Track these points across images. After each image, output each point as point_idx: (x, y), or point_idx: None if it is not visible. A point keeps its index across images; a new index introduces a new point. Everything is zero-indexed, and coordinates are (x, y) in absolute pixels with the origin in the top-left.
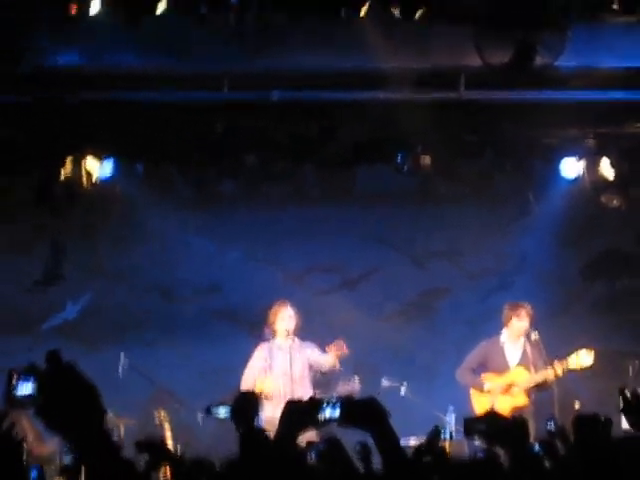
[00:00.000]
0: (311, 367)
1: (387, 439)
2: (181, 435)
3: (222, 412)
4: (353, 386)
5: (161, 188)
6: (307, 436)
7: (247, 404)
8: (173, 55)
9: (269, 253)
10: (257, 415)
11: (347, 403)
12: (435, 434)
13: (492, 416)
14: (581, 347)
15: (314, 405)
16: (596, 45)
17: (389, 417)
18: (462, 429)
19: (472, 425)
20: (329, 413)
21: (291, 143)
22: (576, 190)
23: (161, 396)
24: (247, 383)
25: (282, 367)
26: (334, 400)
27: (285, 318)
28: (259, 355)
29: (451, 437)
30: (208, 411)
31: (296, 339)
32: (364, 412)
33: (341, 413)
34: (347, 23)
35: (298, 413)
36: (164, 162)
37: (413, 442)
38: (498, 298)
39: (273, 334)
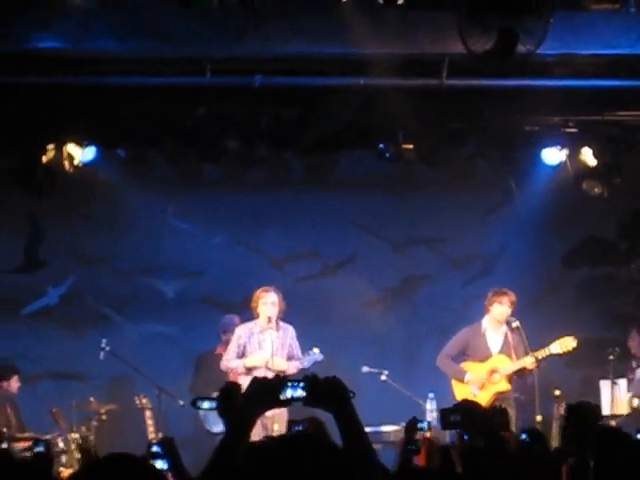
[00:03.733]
0: (288, 354)
1: (349, 419)
2: (161, 422)
3: (207, 405)
4: (313, 357)
5: (143, 172)
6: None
7: (232, 397)
8: (155, 39)
9: (251, 238)
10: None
11: (311, 382)
12: (412, 425)
13: (467, 406)
14: (563, 334)
15: (279, 384)
16: (578, 32)
17: (352, 397)
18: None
19: (448, 417)
20: (293, 392)
21: (273, 128)
22: (558, 177)
23: (142, 381)
24: (230, 363)
25: (264, 351)
26: (299, 379)
27: (268, 303)
28: (240, 335)
29: (429, 427)
30: (194, 404)
31: (280, 324)
32: (328, 392)
33: (305, 392)
34: (330, 9)
35: (263, 391)
36: (146, 146)
37: (389, 429)
38: (479, 285)
39: (255, 315)
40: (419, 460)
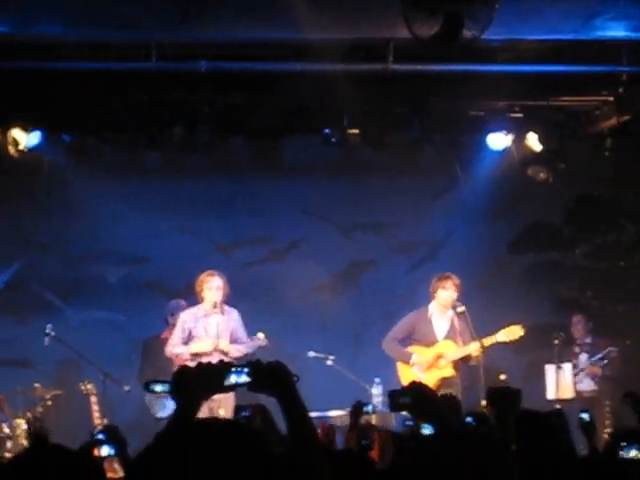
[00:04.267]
0: (232, 337)
1: (293, 404)
2: (106, 407)
3: (160, 388)
4: (257, 342)
5: (88, 158)
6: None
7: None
8: (100, 24)
9: (197, 224)
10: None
11: (255, 368)
12: (357, 409)
13: (417, 388)
14: (509, 319)
15: (222, 369)
16: (524, 18)
17: (296, 382)
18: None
19: (397, 399)
20: (237, 377)
21: (219, 114)
22: (504, 163)
23: (87, 367)
24: (175, 349)
25: (210, 335)
26: (242, 364)
27: (212, 288)
28: (185, 320)
29: (374, 410)
30: (147, 387)
31: (225, 307)
32: (271, 377)
33: (249, 378)
34: None
35: (207, 377)
36: (91, 132)
37: (335, 414)
38: (426, 270)
39: (199, 300)
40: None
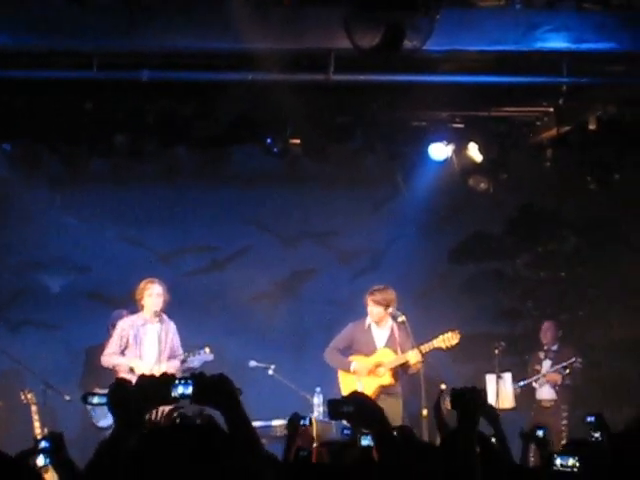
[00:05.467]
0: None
1: (236, 416)
2: (47, 417)
3: (97, 400)
4: (204, 356)
5: (31, 167)
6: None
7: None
8: (42, 32)
9: (139, 233)
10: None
11: (199, 380)
12: (293, 421)
13: (357, 398)
14: (447, 329)
15: (166, 381)
16: (465, 29)
17: (239, 395)
18: (327, 414)
19: (338, 407)
20: (182, 389)
21: (161, 123)
22: (445, 173)
23: (30, 377)
24: (112, 359)
25: (150, 344)
26: (186, 376)
27: (153, 295)
28: (124, 328)
29: (310, 422)
30: (84, 399)
31: (164, 317)
32: (215, 389)
33: (193, 390)
34: (219, 3)
35: (150, 389)
36: (34, 141)
37: (276, 423)
38: (367, 279)
39: (140, 309)
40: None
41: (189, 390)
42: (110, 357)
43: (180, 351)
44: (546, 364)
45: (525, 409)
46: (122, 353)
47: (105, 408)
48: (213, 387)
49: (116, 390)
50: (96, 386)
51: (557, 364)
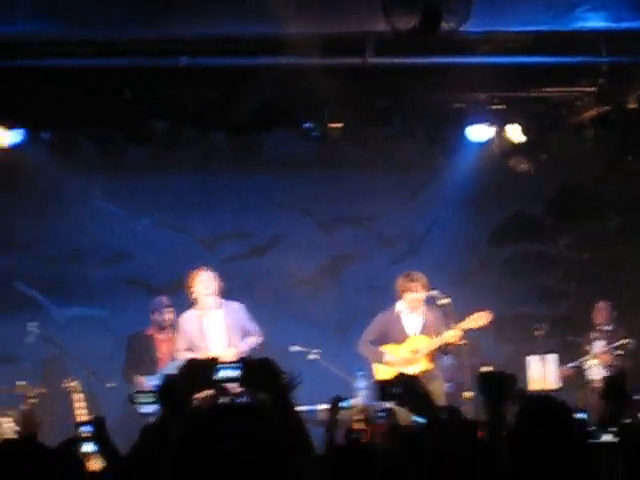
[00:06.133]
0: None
1: (283, 400)
2: (90, 404)
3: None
4: (254, 340)
5: (70, 155)
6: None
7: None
8: (80, 21)
9: (178, 220)
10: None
11: (246, 363)
12: (334, 404)
13: (405, 379)
14: (491, 310)
15: (214, 364)
16: (501, 10)
17: (285, 378)
18: (375, 395)
19: (387, 389)
20: (229, 373)
21: (199, 109)
22: (485, 155)
23: (72, 365)
24: (180, 353)
25: (215, 332)
26: (233, 360)
27: (204, 280)
28: (183, 324)
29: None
30: (131, 400)
31: (223, 301)
32: (261, 373)
33: (240, 373)
34: None
35: (198, 372)
36: (73, 129)
37: (319, 408)
38: (407, 264)
39: (194, 300)
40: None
41: (235, 373)
42: (178, 354)
43: (252, 327)
44: (597, 344)
45: (574, 390)
46: (188, 350)
47: (148, 394)
48: (259, 371)
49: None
50: (137, 373)
51: (611, 344)
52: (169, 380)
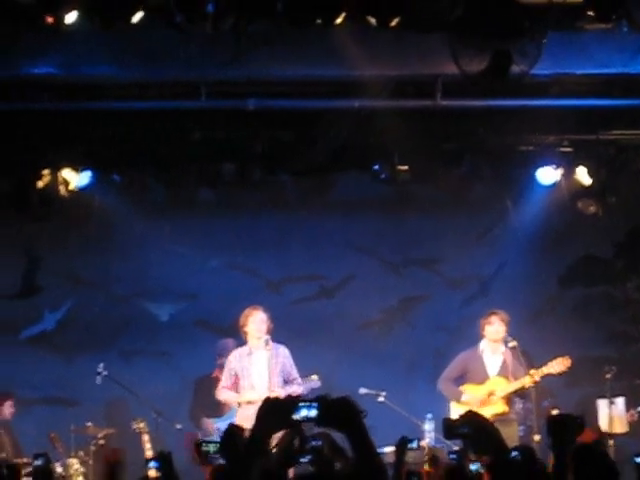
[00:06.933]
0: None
1: (361, 439)
2: (159, 445)
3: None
4: (311, 384)
5: (139, 197)
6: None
7: (234, 439)
8: (150, 64)
9: (247, 261)
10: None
11: (324, 402)
12: (401, 445)
13: (474, 418)
14: (560, 352)
15: (291, 404)
16: (572, 52)
17: (364, 417)
18: (442, 433)
19: (453, 427)
20: (306, 412)
21: (268, 151)
22: (553, 197)
23: (137, 406)
24: (222, 395)
25: (259, 372)
26: (310, 399)
27: (257, 321)
28: (231, 361)
29: (418, 446)
30: (198, 447)
31: (270, 342)
32: (340, 412)
33: (318, 413)
34: (324, 32)
35: (275, 412)
36: (141, 171)
37: (387, 450)
38: (477, 305)
39: (245, 338)
40: None
41: (313, 413)
42: (222, 391)
43: (295, 375)
44: None
45: None
46: (232, 388)
47: (215, 436)
48: (338, 409)
49: (228, 437)
50: (205, 416)
51: None
52: (231, 433)
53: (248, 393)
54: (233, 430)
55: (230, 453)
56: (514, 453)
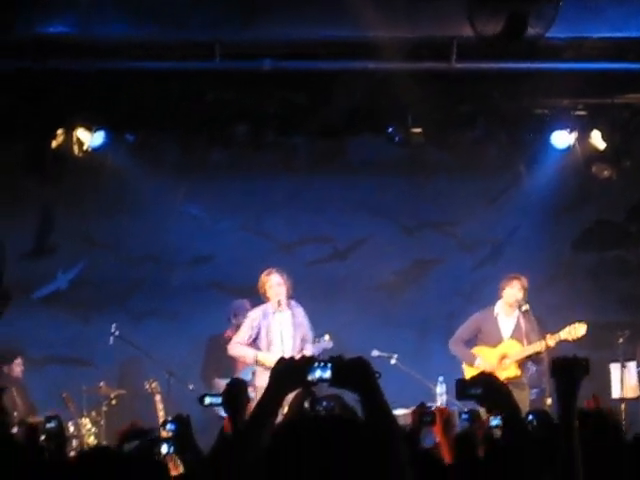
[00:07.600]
0: (304, 334)
1: (376, 400)
2: (171, 406)
3: (209, 401)
4: (323, 344)
5: (152, 157)
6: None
7: (238, 393)
8: (163, 24)
9: (260, 223)
10: (246, 404)
11: (338, 363)
12: (420, 410)
13: (486, 379)
14: (573, 317)
15: (305, 364)
16: (587, 16)
17: (379, 378)
18: (454, 393)
19: (466, 388)
20: (320, 373)
21: (282, 113)
22: (568, 161)
23: (151, 366)
24: (239, 349)
25: (281, 332)
26: (325, 360)
27: (273, 285)
28: (254, 318)
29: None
30: (201, 401)
31: (292, 303)
32: (354, 372)
33: (332, 373)
34: None
35: (289, 372)
36: (155, 131)
37: (400, 412)
38: (489, 269)
39: (265, 300)
40: (435, 430)
41: (327, 373)
42: (236, 346)
43: (310, 335)
44: None
45: None
46: (252, 343)
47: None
48: (352, 370)
49: (231, 391)
50: (217, 376)
51: None
52: (235, 384)
53: (264, 353)
54: (236, 383)
55: (232, 407)
56: (530, 417)
